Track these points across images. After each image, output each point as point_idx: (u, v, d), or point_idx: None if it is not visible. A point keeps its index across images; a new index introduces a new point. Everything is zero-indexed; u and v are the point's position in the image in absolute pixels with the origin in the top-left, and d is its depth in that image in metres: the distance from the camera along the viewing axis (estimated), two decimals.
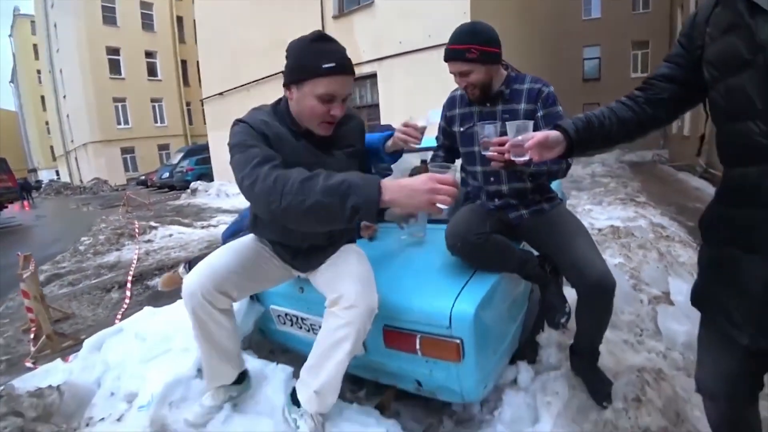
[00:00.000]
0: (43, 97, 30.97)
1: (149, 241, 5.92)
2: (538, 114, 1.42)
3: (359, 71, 7.41)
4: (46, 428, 1.39)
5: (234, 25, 10.33)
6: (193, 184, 12.70)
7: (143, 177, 19.42)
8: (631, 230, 3.69)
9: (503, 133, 1.14)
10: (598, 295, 1.33)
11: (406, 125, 1.39)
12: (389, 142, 1.45)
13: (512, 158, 1.06)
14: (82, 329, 3.00)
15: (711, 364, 0.93)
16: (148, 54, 23.29)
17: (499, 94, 1.46)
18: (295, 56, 1.13)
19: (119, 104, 22.28)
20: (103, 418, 1.45)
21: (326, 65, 1.08)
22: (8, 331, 3.17)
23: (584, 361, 1.54)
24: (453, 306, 1.23)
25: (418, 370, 1.34)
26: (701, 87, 0.83)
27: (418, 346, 1.27)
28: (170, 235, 6.19)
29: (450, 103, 1.64)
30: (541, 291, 1.58)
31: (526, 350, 1.66)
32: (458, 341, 1.20)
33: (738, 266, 0.77)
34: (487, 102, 1.48)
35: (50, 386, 1.60)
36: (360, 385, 1.75)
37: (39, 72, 31.26)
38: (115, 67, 22.03)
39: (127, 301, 3.44)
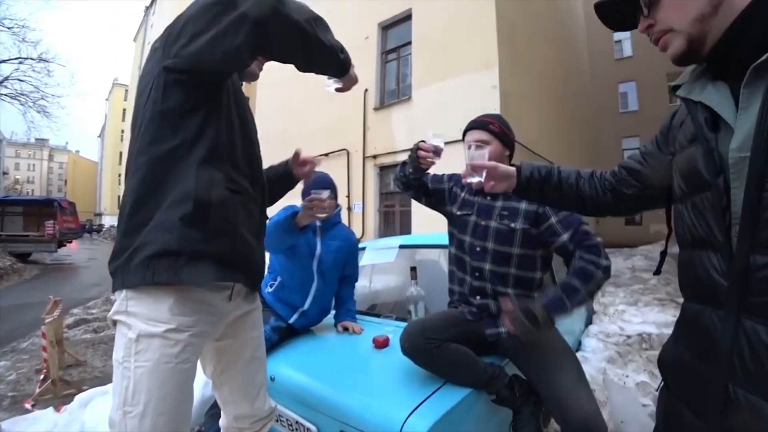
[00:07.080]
0: (121, 153, 35.43)
1: None
2: (552, 219, 1.33)
3: (395, 159, 7.74)
4: None
5: (280, 114, 10.32)
6: None
7: None
8: (665, 339, 3.32)
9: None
10: None
11: (310, 200, 1.47)
12: (298, 217, 1.54)
13: (467, 178, 1.00)
14: (88, 379, 3.07)
15: None
16: None
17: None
18: None
19: None
20: None
21: None
22: (24, 368, 3.32)
23: None
24: (406, 420, 1.07)
25: None
26: (668, 194, 0.73)
27: None
28: None
29: (459, 179, 1.58)
30: (513, 417, 1.33)
31: None
32: None
33: (683, 428, 0.66)
34: (488, 195, 1.45)
35: None
36: None
37: (123, 131, 36.13)
38: None
39: None
